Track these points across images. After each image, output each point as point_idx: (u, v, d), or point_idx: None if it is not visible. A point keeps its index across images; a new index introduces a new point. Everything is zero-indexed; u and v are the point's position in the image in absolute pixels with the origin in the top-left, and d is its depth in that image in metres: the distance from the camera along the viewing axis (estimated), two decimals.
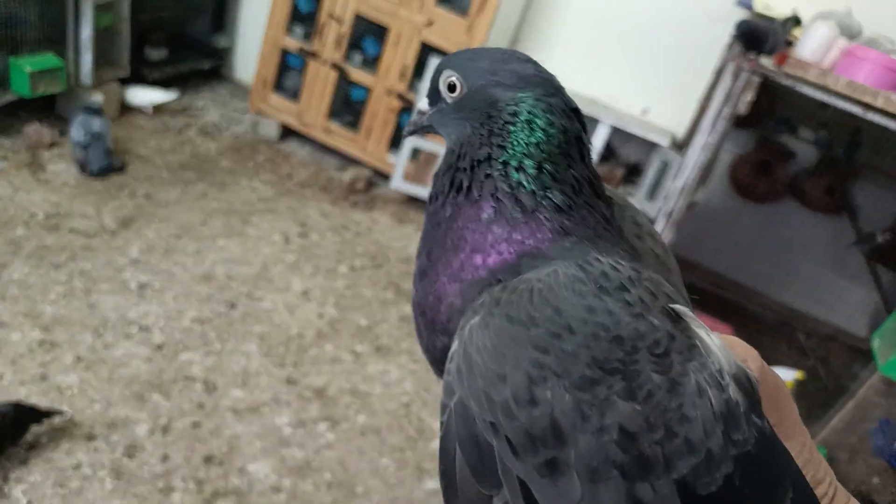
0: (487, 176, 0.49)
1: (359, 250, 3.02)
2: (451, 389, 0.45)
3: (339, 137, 3.66)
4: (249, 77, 4.06)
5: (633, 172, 3.53)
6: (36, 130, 2.98)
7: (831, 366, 3.24)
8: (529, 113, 0.49)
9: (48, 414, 1.77)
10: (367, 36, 3.56)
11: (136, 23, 3.47)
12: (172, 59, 3.88)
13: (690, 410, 0.41)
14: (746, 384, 0.43)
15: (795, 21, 2.53)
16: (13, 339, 2.04)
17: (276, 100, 3.73)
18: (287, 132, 3.81)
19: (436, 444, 2.12)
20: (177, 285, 2.46)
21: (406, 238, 3.25)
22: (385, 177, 3.58)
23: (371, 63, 3.56)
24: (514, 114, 0.49)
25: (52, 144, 3.01)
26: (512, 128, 0.49)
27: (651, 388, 0.40)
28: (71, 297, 2.25)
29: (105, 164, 2.93)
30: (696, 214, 2.93)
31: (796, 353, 3.34)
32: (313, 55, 3.56)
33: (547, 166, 0.48)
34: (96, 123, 2.91)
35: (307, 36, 3.61)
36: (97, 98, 3.03)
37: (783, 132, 3.34)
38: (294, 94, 3.73)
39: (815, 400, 2.80)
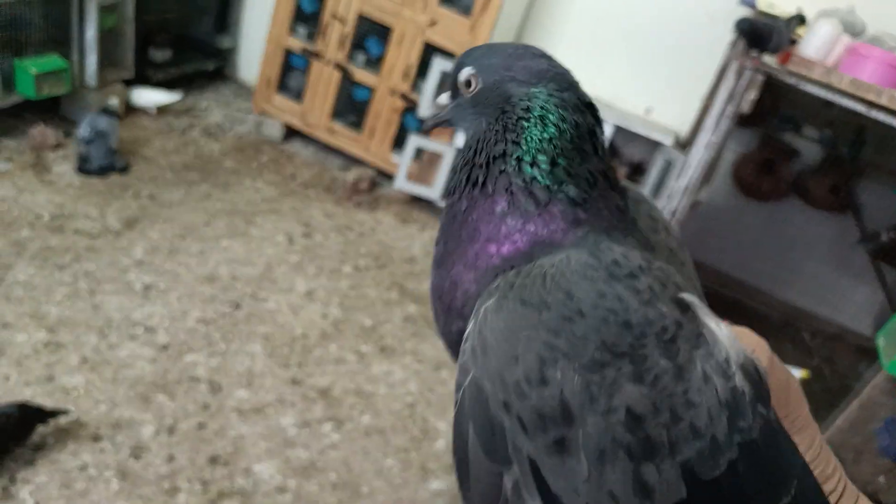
0: (502, 172, 0.50)
1: (362, 250, 3.02)
2: (465, 369, 0.46)
3: (342, 137, 3.67)
4: (253, 78, 4.06)
5: (636, 171, 3.53)
6: (40, 132, 2.98)
7: (836, 365, 3.24)
8: (542, 108, 0.50)
9: (54, 414, 1.78)
10: (371, 36, 3.56)
11: (140, 24, 3.47)
12: (176, 61, 3.89)
13: (696, 396, 0.42)
14: (754, 374, 0.44)
15: (800, 19, 2.52)
16: (18, 340, 2.05)
17: (280, 100, 3.73)
18: (290, 132, 3.81)
19: (440, 445, 2.13)
20: (181, 286, 2.46)
21: (410, 238, 3.25)
22: (388, 177, 3.59)
23: (374, 63, 3.56)
24: (527, 109, 0.50)
25: (57, 146, 3.02)
26: (525, 123, 0.50)
27: (658, 372, 0.41)
28: (76, 298, 2.26)
29: (105, 163, 2.93)
30: (700, 213, 2.93)
31: (801, 353, 3.33)
32: (317, 55, 3.56)
33: (560, 161, 0.49)
34: (102, 122, 2.93)
35: (310, 36, 3.61)
36: (113, 101, 3.06)
37: (787, 131, 3.33)
38: (297, 95, 3.73)
39: (821, 400, 2.79)
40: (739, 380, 0.43)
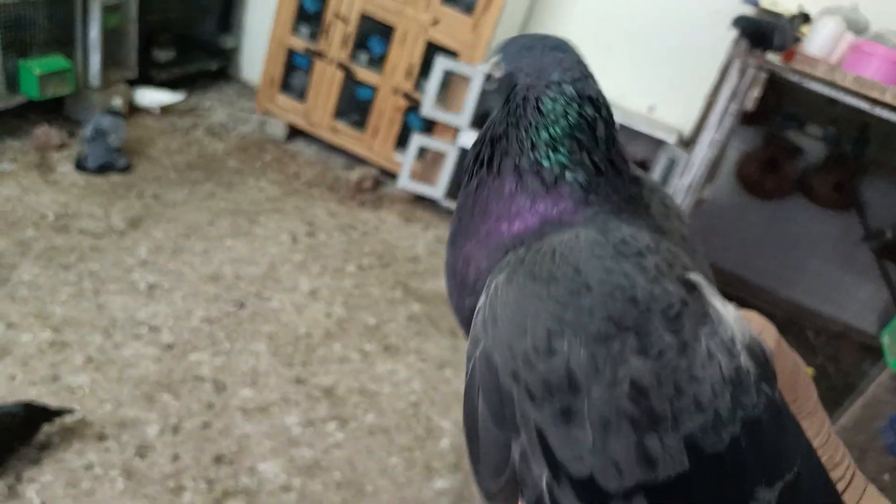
0: (506, 153, 0.52)
1: (366, 249, 3.03)
2: (476, 340, 0.47)
3: (345, 137, 3.67)
4: (256, 77, 4.07)
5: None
6: (44, 132, 2.99)
7: (841, 363, 3.23)
8: (546, 99, 0.51)
9: (59, 414, 1.78)
10: (373, 35, 3.56)
11: (144, 24, 3.48)
12: (180, 60, 3.90)
13: (699, 372, 0.43)
14: (760, 355, 0.45)
15: (804, 17, 2.52)
16: (23, 339, 2.05)
17: (283, 99, 3.74)
18: (294, 132, 3.81)
19: (444, 444, 2.13)
20: (185, 285, 2.47)
21: (413, 237, 3.25)
22: (392, 176, 3.59)
23: (377, 62, 3.56)
24: (525, 98, 0.52)
25: (61, 146, 3.03)
26: (528, 111, 0.52)
27: (662, 347, 0.42)
28: (80, 298, 2.26)
29: (104, 161, 2.94)
30: (704, 212, 2.93)
31: (805, 351, 3.33)
32: (319, 55, 3.56)
33: (562, 149, 0.51)
34: (105, 121, 2.93)
35: (313, 36, 3.61)
36: (116, 101, 3.07)
37: (791, 129, 3.33)
38: (300, 94, 3.73)
39: (825, 398, 2.76)
40: (744, 359, 0.44)
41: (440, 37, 3.31)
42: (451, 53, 3.30)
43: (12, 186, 2.70)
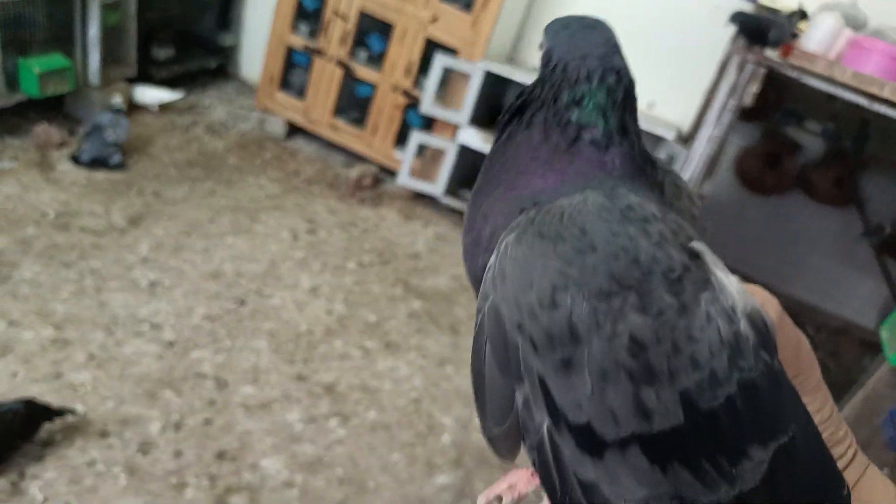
0: (539, 109, 0.55)
1: (366, 247, 3.03)
2: (485, 295, 0.49)
3: (345, 134, 3.67)
4: (255, 75, 4.07)
5: None
6: (45, 130, 2.99)
7: (841, 359, 3.24)
8: (577, 68, 0.54)
9: (60, 413, 1.79)
10: (372, 32, 3.56)
11: (143, 22, 3.48)
12: (179, 58, 3.90)
13: (698, 332, 0.44)
14: (760, 325, 0.47)
15: (802, 14, 2.53)
16: (25, 337, 2.06)
17: (282, 97, 3.74)
18: (293, 129, 3.82)
19: (446, 440, 2.14)
20: (186, 283, 2.47)
21: (413, 234, 3.25)
22: (391, 173, 3.59)
23: (376, 60, 3.56)
24: (556, 67, 0.55)
25: (61, 144, 3.03)
26: (560, 77, 0.55)
27: (662, 306, 0.44)
28: (82, 296, 2.27)
29: (97, 155, 2.94)
30: (703, 208, 2.93)
31: None
32: (319, 52, 3.57)
33: (585, 109, 0.54)
34: (104, 117, 2.94)
35: (312, 33, 3.62)
36: (117, 100, 3.08)
37: (790, 124, 3.33)
38: (300, 92, 3.74)
39: None
40: (744, 326, 0.46)
41: (439, 34, 3.31)
42: (451, 51, 3.30)
43: (13, 184, 2.70)
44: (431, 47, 3.33)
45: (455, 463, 2.08)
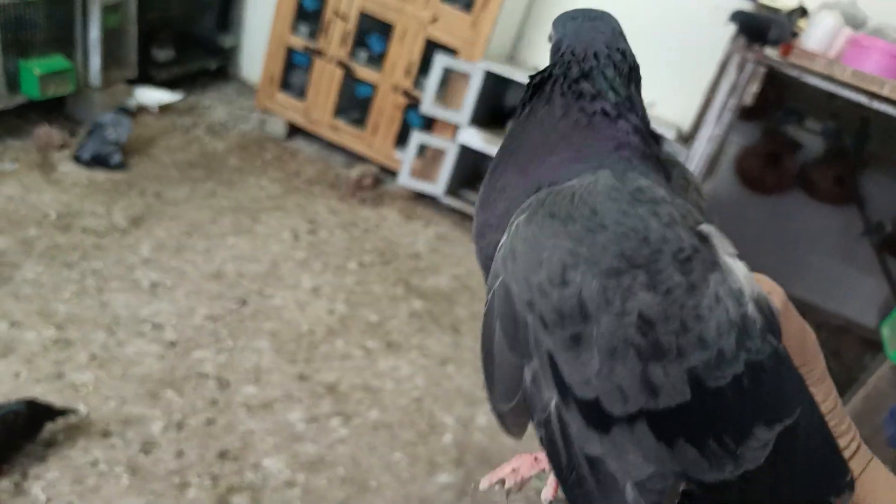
0: (555, 83, 0.56)
1: (367, 247, 3.03)
2: (496, 274, 0.50)
3: (345, 135, 3.67)
4: (255, 76, 4.08)
5: None
6: (46, 132, 3.00)
7: (843, 358, 3.24)
8: (584, 50, 0.56)
9: (63, 413, 1.79)
10: (373, 33, 3.57)
11: (143, 23, 3.48)
12: (179, 59, 3.90)
13: (706, 312, 0.45)
14: (767, 310, 0.47)
15: (802, 12, 2.53)
16: (28, 337, 2.06)
17: (283, 98, 3.74)
18: (294, 130, 3.82)
19: (447, 440, 2.14)
20: (188, 283, 2.47)
21: (414, 234, 3.26)
22: (392, 173, 3.59)
23: (377, 60, 3.56)
24: (565, 52, 0.57)
25: (62, 145, 3.03)
26: (570, 59, 0.57)
27: (671, 285, 0.45)
28: (84, 296, 2.27)
29: (96, 153, 2.96)
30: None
31: None
32: (319, 53, 3.57)
33: (594, 80, 0.55)
34: (108, 116, 2.96)
35: (313, 34, 3.62)
36: (131, 101, 3.19)
37: (791, 123, 3.33)
38: (300, 92, 3.74)
39: None
40: (751, 309, 0.46)
41: (439, 34, 3.31)
42: (451, 51, 3.31)
43: (14, 186, 2.71)
44: (431, 47, 3.33)
45: (457, 462, 2.08)
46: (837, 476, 0.49)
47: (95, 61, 3.19)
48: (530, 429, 0.51)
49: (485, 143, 3.32)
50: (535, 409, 0.48)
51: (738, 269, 0.48)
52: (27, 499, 1.64)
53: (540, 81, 0.58)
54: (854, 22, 2.64)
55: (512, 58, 3.66)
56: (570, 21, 0.60)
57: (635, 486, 0.45)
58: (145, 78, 3.63)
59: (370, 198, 3.42)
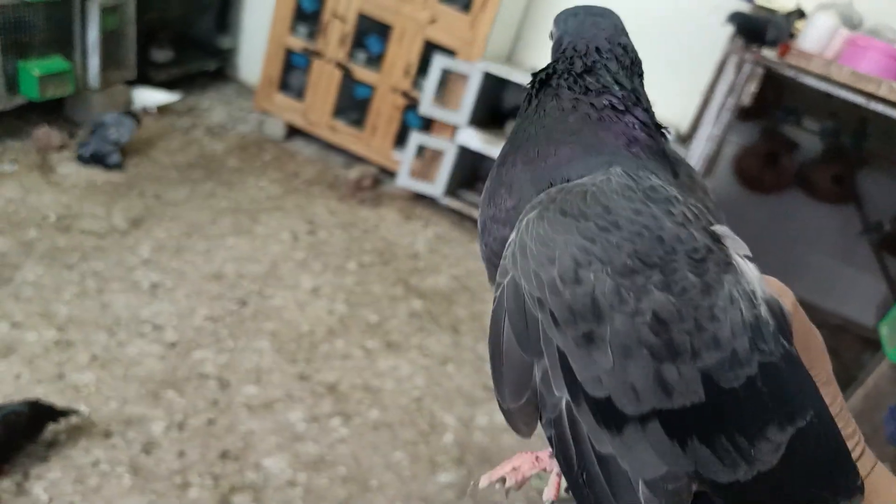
0: (560, 78, 0.57)
1: (367, 247, 3.04)
2: (505, 271, 0.50)
3: (344, 135, 3.68)
4: (254, 77, 4.08)
5: None
6: (45, 133, 3.00)
7: (842, 357, 3.25)
8: (587, 45, 0.57)
9: (65, 413, 1.79)
10: (371, 34, 3.57)
11: (141, 24, 3.48)
12: (178, 60, 3.91)
13: (720, 313, 0.45)
14: (778, 312, 0.47)
15: (800, 13, 2.54)
16: (29, 339, 2.06)
17: (282, 99, 3.75)
18: (292, 131, 3.82)
19: (448, 439, 2.15)
20: (188, 284, 2.48)
21: (413, 234, 3.26)
22: (391, 174, 3.60)
23: (375, 61, 3.57)
24: (567, 48, 0.58)
25: (62, 147, 3.03)
26: (573, 54, 0.57)
27: (686, 285, 0.45)
28: (84, 297, 2.27)
29: (95, 151, 2.97)
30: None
31: None
32: (317, 54, 3.58)
33: (597, 73, 0.56)
34: (111, 116, 2.98)
35: (311, 35, 3.63)
36: (138, 105, 3.26)
37: (789, 123, 3.34)
38: (299, 93, 3.75)
39: None
40: (764, 311, 0.46)
41: (438, 35, 3.32)
42: (449, 52, 3.32)
43: (14, 187, 2.71)
44: (430, 48, 3.34)
45: (457, 461, 2.09)
46: (848, 479, 0.49)
47: (94, 62, 3.19)
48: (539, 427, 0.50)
49: (483, 143, 3.33)
50: (544, 407, 0.48)
51: (750, 270, 0.48)
52: (29, 499, 1.65)
53: (545, 77, 0.58)
54: (851, 22, 2.66)
55: (510, 58, 3.67)
56: (571, 17, 0.60)
57: (648, 484, 0.45)
58: (144, 79, 3.64)
59: (369, 198, 3.43)
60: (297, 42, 3.62)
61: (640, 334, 0.44)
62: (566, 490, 0.52)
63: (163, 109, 3.63)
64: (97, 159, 2.97)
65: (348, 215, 3.25)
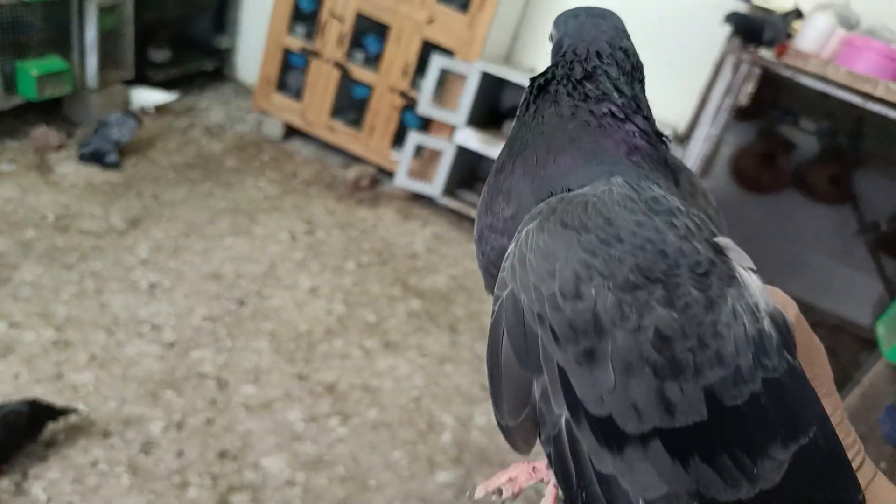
0: (559, 84, 0.56)
1: (365, 247, 3.04)
2: (504, 284, 0.48)
3: (342, 135, 3.68)
4: (252, 77, 4.08)
5: None
6: (43, 133, 3.00)
7: (839, 357, 3.26)
8: (587, 49, 0.56)
9: (64, 412, 1.79)
10: (369, 34, 3.58)
11: (139, 24, 3.48)
12: (176, 60, 3.91)
13: (724, 329, 0.44)
14: (782, 325, 0.46)
15: (797, 13, 2.55)
16: (27, 338, 2.06)
17: (279, 99, 3.75)
18: (290, 131, 3.82)
19: (446, 438, 2.15)
20: (186, 284, 2.48)
21: (411, 234, 3.27)
22: (389, 174, 3.60)
23: (373, 61, 3.57)
24: (567, 52, 0.57)
25: (60, 147, 3.03)
26: (572, 58, 0.56)
27: (689, 300, 0.44)
28: (83, 297, 2.27)
29: (95, 149, 2.99)
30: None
31: None
32: (315, 54, 3.58)
33: (597, 80, 0.55)
34: (114, 116, 3.02)
35: (309, 35, 3.63)
36: (136, 106, 3.28)
37: (786, 123, 3.35)
38: (297, 93, 3.75)
39: None
40: (767, 324, 0.45)
41: (435, 35, 3.32)
42: (447, 51, 3.32)
43: (12, 187, 2.71)
44: (428, 48, 3.34)
45: (456, 460, 2.09)
46: (850, 493, 0.48)
47: (92, 62, 3.19)
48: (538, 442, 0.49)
49: (481, 143, 3.34)
50: (544, 424, 0.46)
51: (753, 282, 0.47)
52: (28, 498, 1.65)
53: (544, 82, 0.57)
54: (848, 23, 2.67)
55: (508, 58, 3.68)
56: (571, 19, 0.59)
57: None
58: (142, 79, 3.64)
59: (367, 198, 3.43)
60: (295, 42, 3.62)
61: (642, 351, 0.43)
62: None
63: (160, 109, 3.63)
64: (96, 157, 2.98)
65: (346, 215, 3.25)
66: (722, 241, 0.48)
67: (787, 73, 2.45)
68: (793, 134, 3.39)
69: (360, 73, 3.55)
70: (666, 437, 0.43)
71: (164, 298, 2.38)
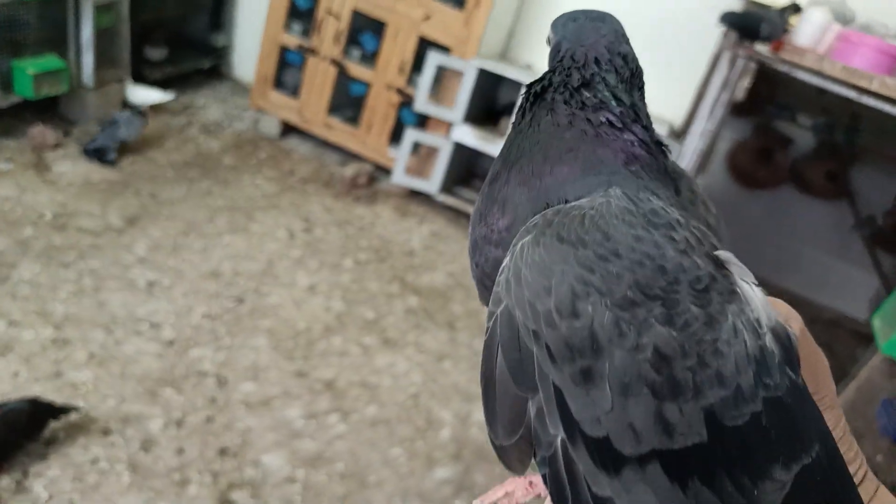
0: (556, 92, 0.55)
1: (363, 244, 3.05)
2: (498, 299, 0.47)
3: (339, 133, 3.68)
4: (249, 75, 4.08)
5: None
6: (40, 132, 3.00)
7: (835, 352, 3.27)
8: (585, 55, 0.55)
9: (64, 410, 1.80)
10: (366, 31, 3.58)
11: (136, 22, 3.48)
12: (172, 59, 3.91)
13: (724, 347, 0.43)
14: (785, 340, 0.45)
15: (795, 9, 2.55)
16: (26, 337, 2.06)
17: (277, 96, 3.75)
18: (288, 128, 3.83)
19: (445, 435, 2.16)
20: (185, 282, 2.48)
21: (409, 231, 3.27)
22: (386, 171, 3.61)
23: (370, 58, 3.57)
24: (564, 57, 0.56)
25: (57, 145, 3.03)
26: (570, 64, 0.55)
27: (688, 318, 0.42)
28: (81, 296, 2.28)
29: (99, 146, 3.01)
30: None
31: None
32: (312, 51, 3.58)
33: (595, 88, 0.54)
34: (123, 115, 3.07)
35: (305, 32, 3.63)
36: (141, 103, 3.33)
37: (782, 118, 3.36)
38: (294, 91, 3.75)
39: None
40: (769, 340, 0.44)
41: (432, 32, 3.33)
42: (444, 48, 3.32)
43: (10, 186, 2.71)
44: (424, 45, 3.34)
45: (454, 457, 2.10)
46: None
47: (88, 61, 3.19)
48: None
49: (479, 140, 3.34)
50: (539, 445, 0.45)
51: (755, 296, 0.46)
52: (28, 496, 1.65)
53: (540, 89, 0.56)
54: (843, 18, 2.67)
55: (504, 55, 3.68)
56: (570, 22, 0.58)
57: None
58: (138, 77, 3.63)
59: (364, 196, 3.43)
60: (292, 39, 3.62)
61: (640, 371, 0.41)
62: None
63: (155, 108, 3.62)
64: (95, 155, 2.99)
65: (344, 213, 3.26)
66: (723, 254, 0.47)
67: (783, 68, 2.45)
68: (789, 129, 3.40)
69: (356, 70, 3.55)
70: (664, 459, 0.42)
71: (162, 297, 2.38)
